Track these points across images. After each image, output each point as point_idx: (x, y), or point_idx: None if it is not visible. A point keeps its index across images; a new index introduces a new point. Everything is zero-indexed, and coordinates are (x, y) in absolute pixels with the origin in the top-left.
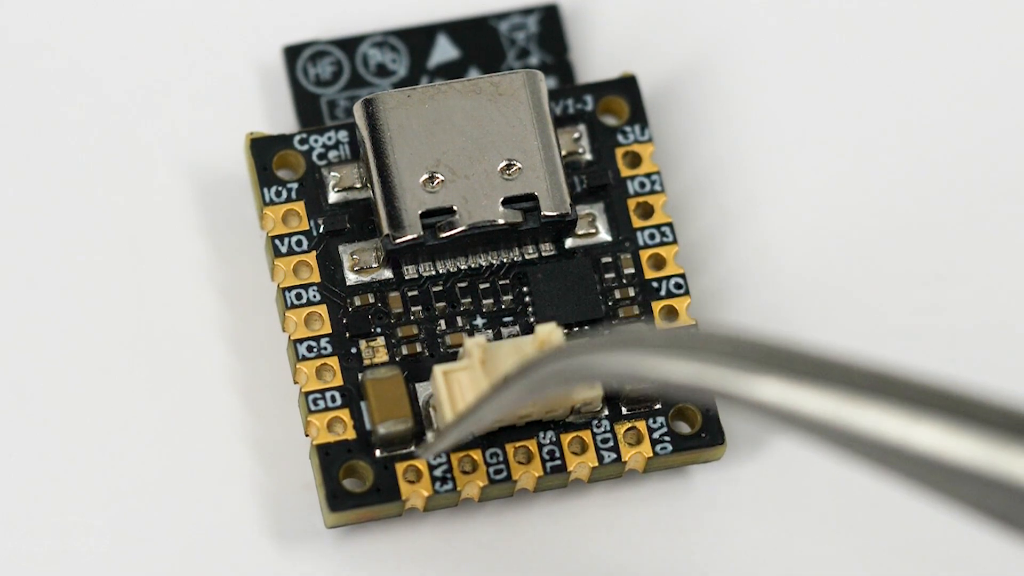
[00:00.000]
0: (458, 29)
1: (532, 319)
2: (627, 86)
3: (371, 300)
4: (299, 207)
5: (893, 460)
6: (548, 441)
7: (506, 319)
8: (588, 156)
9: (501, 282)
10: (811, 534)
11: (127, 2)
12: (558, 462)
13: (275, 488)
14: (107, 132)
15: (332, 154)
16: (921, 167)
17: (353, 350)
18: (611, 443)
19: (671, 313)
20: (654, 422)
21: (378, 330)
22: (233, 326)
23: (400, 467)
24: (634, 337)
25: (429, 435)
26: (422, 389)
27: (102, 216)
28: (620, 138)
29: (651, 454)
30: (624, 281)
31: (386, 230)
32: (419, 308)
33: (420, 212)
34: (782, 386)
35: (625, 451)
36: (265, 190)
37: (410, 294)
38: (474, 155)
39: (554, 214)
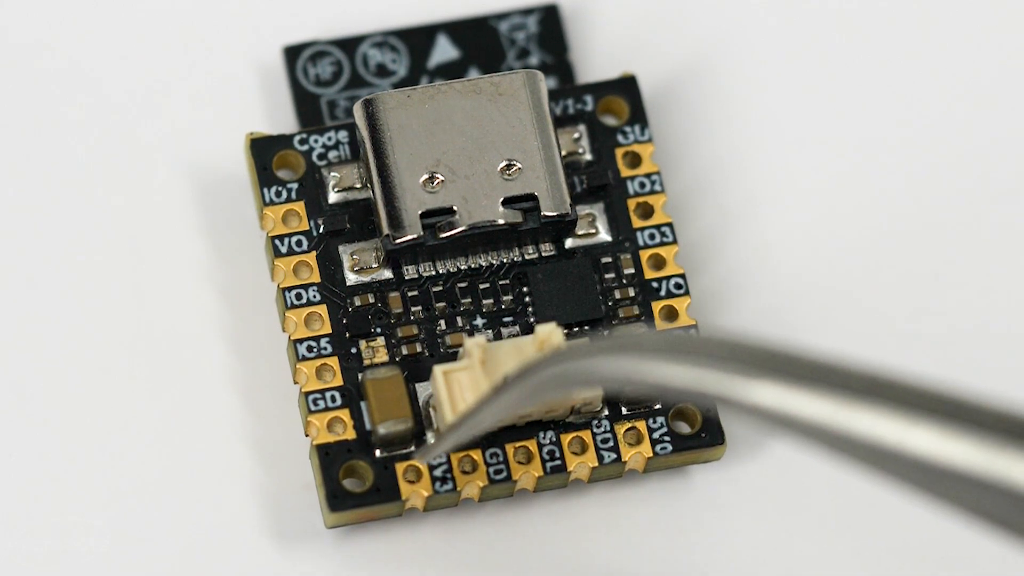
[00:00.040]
0: (458, 29)
1: (532, 319)
2: (627, 86)
3: (371, 300)
4: (299, 207)
5: (890, 464)
6: (548, 441)
7: (506, 319)
8: (588, 156)
9: (501, 282)
10: (811, 534)
11: (127, 2)
12: (558, 462)
13: (275, 488)
14: (107, 132)
15: (332, 154)
16: (921, 167)
17: (353, 350)
18: (611, 443)
19: (671, 313)
20: (654, 422)
21: (378, 330)
22: (233, 326)
23: (400, 467)
24: (632, 342)
25: (429, 436)
26: (422, 389)
27: (102, 216)
28: (620, 138)
29: (651, 454)
30: (624, 281)
31: (386, 230)
32: (419, 308)
33: (420, 212)
34: (779, 390)
35: (625, 451)
36: (265, 190)
37: (410, 294)
38: (474, 155)
39: (554, 214)
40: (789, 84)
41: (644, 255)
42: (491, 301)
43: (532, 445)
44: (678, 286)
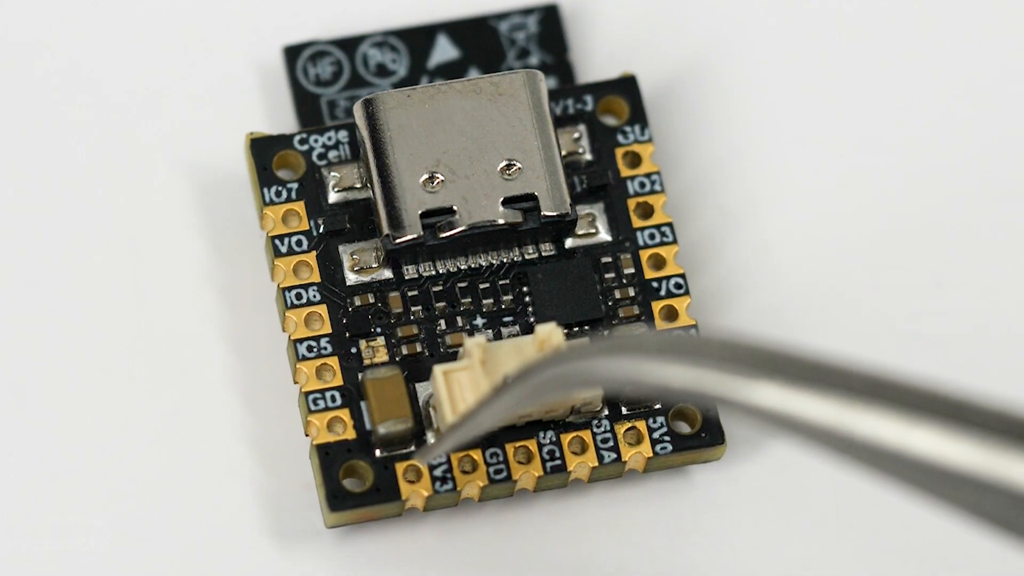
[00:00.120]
0: (458, 29)
1: (532, 319)
2: (627, 86)
3: (371, 300)
4: (299, 207)
5: (891, 464)
6: (548, 441)
7: (506, 319)
8: (588, 156)
9: (501, 282)
10: (811, 534)
11: (127, 2)
12: (558, 462)
13: (275, 488)
14: (107, 132)
15: (332, 154)
16: (921, 167)
17: (353, 350)
18: (611, 443)
19: (671, 313)
20: (654, 422)
21: (378, 330)
22: (233, 326)
23: (400, 467)
24: (633, 342)
25: (429, 436)
26: (422, 389)
27: (102, 216)
28: (620, 138)
29: (651, 454)
30: (624, 281)
31: (386, 230)
32: (419, 308)
33: (420, 212)
34: (779, 391)
35: (625, 451)
36: (265, 190)
37: (410, 294)
38: (474, 155)
39: (554, 214)
40: (789, 84)
41: (644, 255)
42: (491, 301)
43: (532, 445)
44: (678, 286)
